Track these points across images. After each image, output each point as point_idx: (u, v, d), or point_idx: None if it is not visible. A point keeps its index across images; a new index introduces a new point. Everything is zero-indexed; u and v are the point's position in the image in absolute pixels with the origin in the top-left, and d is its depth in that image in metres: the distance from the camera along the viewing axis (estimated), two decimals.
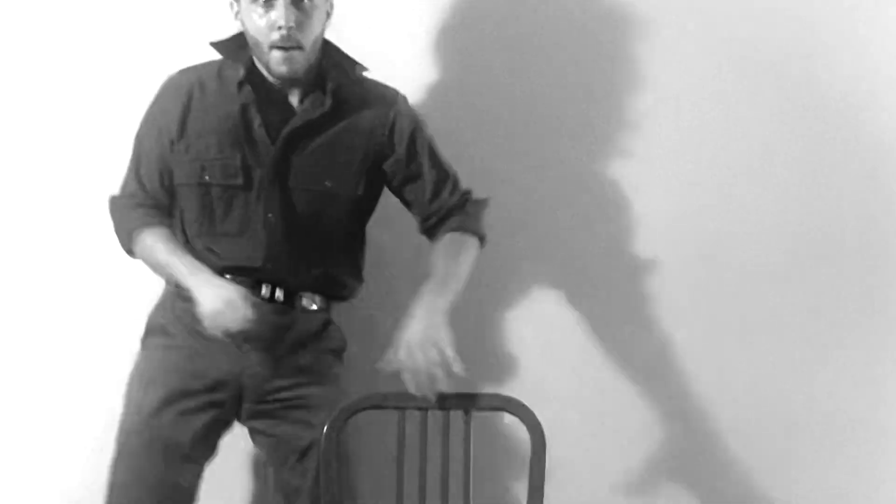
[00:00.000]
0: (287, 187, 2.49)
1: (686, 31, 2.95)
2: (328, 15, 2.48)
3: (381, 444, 2.54)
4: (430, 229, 2.57)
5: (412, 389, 2.28)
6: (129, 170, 2.53)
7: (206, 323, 2.32)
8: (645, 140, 2.96)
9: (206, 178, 2.48)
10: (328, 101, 2.47)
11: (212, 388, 2.42)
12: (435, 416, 2.40)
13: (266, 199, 2.49)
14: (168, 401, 2.41)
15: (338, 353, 2.55)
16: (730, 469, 2.96)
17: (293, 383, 2.46)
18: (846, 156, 2.95)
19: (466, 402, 2.39)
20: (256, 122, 2.46)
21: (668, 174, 2.93)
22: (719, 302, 2.96)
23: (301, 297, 2.49)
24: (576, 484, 2.86)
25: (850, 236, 2.98)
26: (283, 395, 2.46)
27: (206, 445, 2.45)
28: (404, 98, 2.60)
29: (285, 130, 2.47)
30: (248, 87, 2.47)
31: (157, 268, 2.47)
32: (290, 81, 2.46)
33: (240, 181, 2.47)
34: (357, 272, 2.61)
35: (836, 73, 2.96)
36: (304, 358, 2.50)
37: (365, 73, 2.56)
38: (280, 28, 2.35)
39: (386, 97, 2.58)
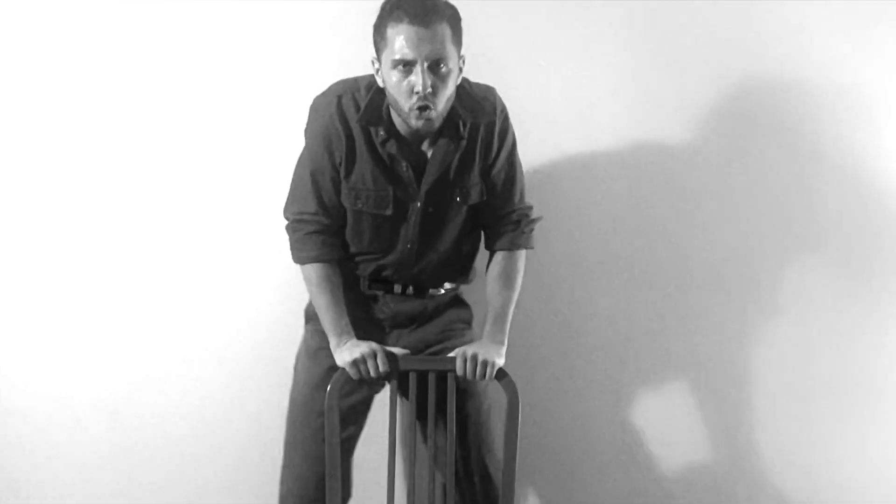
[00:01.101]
0: (426, 214, 2.75)
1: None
2: (461, 70, 2.66)
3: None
4: (489, 237, 2.84)
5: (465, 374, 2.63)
6: (300, 196, 2.76)
7: (349, 372, 2.62)
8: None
9: (360, 205, 2.74)
10: (462, 144, 2.71)
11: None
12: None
13: (410, 228, 2.76)
14: (326, 377, 2.70)
15: (467, 321, 2.86)
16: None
17: (433, 351, 2.79)
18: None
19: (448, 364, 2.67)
20: (403, 165, 2.69)
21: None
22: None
23: (426, 289, 2.82)
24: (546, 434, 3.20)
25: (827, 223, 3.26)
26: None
27: (359, 412, 2.77)
28: (501, 102, 2.79)
29: (429, 180, 2.71)
30: (391, 141, 2.68)
31: (314, 301, 2.75)
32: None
33: (390, 212, 2.73)
34: (470, 257, 2.89)
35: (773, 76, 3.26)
36: (438, 327, 2.81)
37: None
38: (417, 93, 2.53)
39: (488, 103, 2.76)
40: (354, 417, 2.76)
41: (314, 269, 2.73)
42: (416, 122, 2.59)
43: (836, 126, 3.30)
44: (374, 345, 2.63)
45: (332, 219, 2.73)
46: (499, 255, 2.80)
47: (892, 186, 3.32)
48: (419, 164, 2.69)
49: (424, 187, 2.69)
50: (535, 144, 3.07)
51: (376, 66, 2.63)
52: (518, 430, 2.69)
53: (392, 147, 2.66)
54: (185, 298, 3.36)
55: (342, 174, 2.70)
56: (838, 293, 3.35)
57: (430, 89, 2.52)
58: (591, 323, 3.25)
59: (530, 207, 2.83)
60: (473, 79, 2.76)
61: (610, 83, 3.24)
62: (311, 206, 2.71)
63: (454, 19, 2.60)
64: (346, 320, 2.70)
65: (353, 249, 2.76)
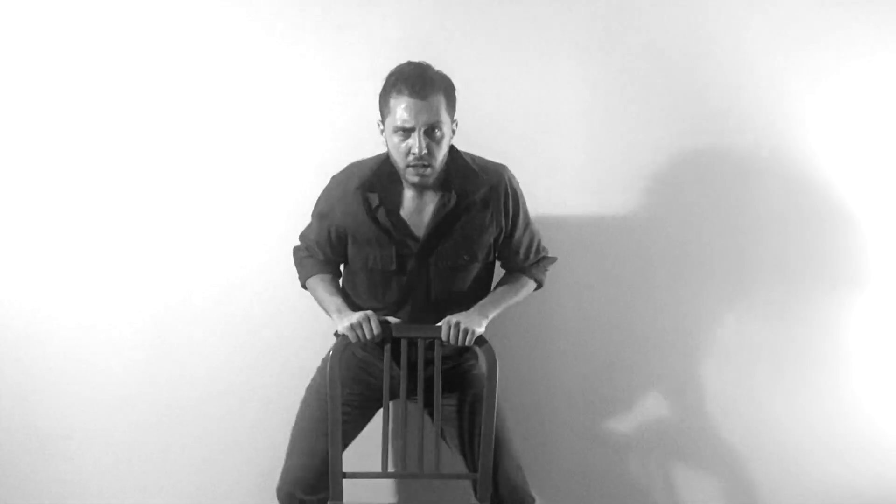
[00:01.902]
0: (431, 267, 3.01)
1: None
2: (453, 133, 2.94)
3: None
4: (514, 270, 3.12)
5: (448, 339, 2.89)
6: (308, 235, 3.11)
7: (349, 336, 2.90)
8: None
9: (370, 265, 3.02)
10: (452, 201, 2.95)
11: (374, 389, 3.03)
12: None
13: (416, 279, 3.01)
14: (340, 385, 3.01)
15: (473, 364, 3.13)
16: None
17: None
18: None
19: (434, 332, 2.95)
20: (403, 233, 2.96)
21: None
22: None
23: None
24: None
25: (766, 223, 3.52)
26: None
27: (363, 412, 3.09)
28: (508, 172, 3.06)
29: (423, 235, 2.98)
30: (381, 209, 2.94)
31: (317, 301, 3.07)
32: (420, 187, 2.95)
33: (394, 268, 3.00)
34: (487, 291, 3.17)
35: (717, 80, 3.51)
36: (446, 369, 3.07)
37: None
38: (414, 154, 2.83)
39: (495, 176, 3.03)
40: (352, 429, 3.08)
41: (313, 280, 3.09)
42: (412, 178, 2.88)
43: (771, 129, 3.54)
44: (368, 312, 2.91)
45: (330, 256, 3.08)
46: (518, 275, 3.10)
47: (819, 181, 3.55)
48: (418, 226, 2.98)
49: (421, 242, 2.95)
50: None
51: (381, 127, 2.93)
52: (496, 392, 2.92)
53: (381, 214, 2.94)
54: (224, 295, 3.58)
55: (350, 241, 3.01)
56: (774, 277, 3.58)
57: (425, 150, 2.82)
58: (561, 301, 3.50)
59: (547, 253, 3.15)
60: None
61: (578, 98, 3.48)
62: (314, 246, 3.08)
63: (449, 90, 2.89)
64: (341, 299, 3.02)
65: (372, 303, 3.04)
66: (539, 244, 3.15)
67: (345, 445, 3.03)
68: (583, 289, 3.51)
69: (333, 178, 3.07)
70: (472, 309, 2.97)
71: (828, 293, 3.57)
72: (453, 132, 2.95)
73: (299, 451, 3.09)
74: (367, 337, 2.90)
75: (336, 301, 3.02)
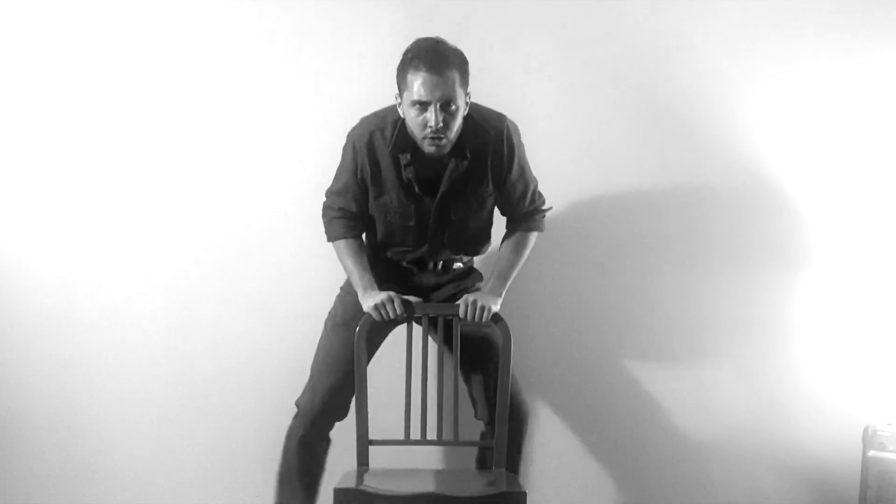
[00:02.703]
0: (445, 219, 3.18)
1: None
2: (467, 105, 3.05)
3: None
4: (509, 223, 3.28)
5: (465, 317, 3.06)
6: (337, 190, 3.22)
7: (373, 315, 3.05)
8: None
9: (389, 218, 3.18)
10: (465, 164, 3.11)
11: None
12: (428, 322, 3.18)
13: (432, 230, 3.19)
14: (352, 318, 3.16)
15: (478, 281, 3.32)
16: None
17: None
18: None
19: (452, 310, 3.14)
20: (416, 187, 3.13)
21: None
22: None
23: (453, 261, 3.30)
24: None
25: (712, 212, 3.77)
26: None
27: (373, 341, 3.21)
28: (509, 123, 3.19)
29: (439, 193, 3.13)
30: (411, 167, 3.11)
31: (344, 268, 3.22)
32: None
33: (412, 223, 3.19)
34: (488, 238, 3.34)
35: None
36: (455, 290, 3.27)
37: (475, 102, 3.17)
38: (430, 127, 2.96)
39: (496, 126, 3.16)
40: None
41: (340, 243, 3.22)
42: (428, 149, 3.02)
43: (722, 129, 3.78)
44: (391, 293, 3.06)
45: (356, 211, 3.19)
46: (518, 234, 3.27)
47: (764, 173, 3.78)
48: (436, 182, 3.12)
49: (437, 201, 3.13)
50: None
51: (398, 101, 3.04)
52: (510, 364, 3.13)
53: (410, 172, 3.10)
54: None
55: (372, 195, 3.17)
56: (726, 259, 3.82)
57: (441, 124, 2.95)
58: (541, 280, 3.70)
59: (543, 202, 3.30)
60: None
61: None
62: (341, 201, 3.19)
63: (462, 65, 3.00)
64: (369, 276, 3.15)
65: (389, 246, 3.24)
66: (535, 191, 3.28)
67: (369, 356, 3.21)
68: (558, 268, 3.71)
69: (351, 133, 3.18)
70: (486, 286, 3.16)
71: (774, 273, 3.81)
72: (466, 104, 3.06)
73: (315, 389, 3.23)
74: (391, 317, 3.05)
75: (364, 280, 3.14)
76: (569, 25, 3.73)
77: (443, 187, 3.13)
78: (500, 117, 3.19)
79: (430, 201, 3.15)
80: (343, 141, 3.23)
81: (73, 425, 3.89)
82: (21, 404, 3.87)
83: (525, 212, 3.28)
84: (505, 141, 3.16)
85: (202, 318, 3.84)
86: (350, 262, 3.19)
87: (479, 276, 3.38)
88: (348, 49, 3.69)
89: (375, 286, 3.13)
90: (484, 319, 3.06)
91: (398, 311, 3.07)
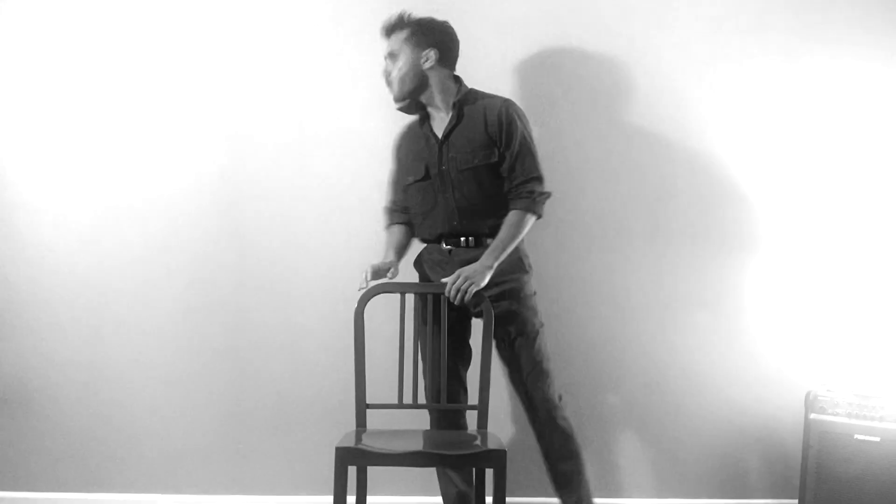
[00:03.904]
0: (450, 172, 3.50)
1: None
2: (428, 59, 3.49)
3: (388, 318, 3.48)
4: (510, 202, 3.47)
5: (450, 298, 3.29)
6: (391, 189, 3.71)
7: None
8: None
9: (410, 181, 3.59)
10: (455, 118, 3.50)
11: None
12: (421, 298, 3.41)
13: (440, 185, 3.51)
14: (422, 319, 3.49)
15: (518, 269, 3.51)
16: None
17: (493, 285, 3.43)
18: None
19: (439, 288, 3.37)
20: (431, 141, 3.53)
21: None
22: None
23: (484, 239, 3.49)
24: None
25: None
26: (489, 293, 3.43)
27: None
28: (511, 102, 3.54)
29: (438, 141, 3.52)
30: (427, 123, 3.57)
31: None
32: (439, 99, 3.53)
33: (422, 176, 3.55)
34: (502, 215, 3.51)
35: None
36: (497, 290, 3.45)
37: (479, 88, 3.57)
38: (386, 72, 3.55)
39: (497, 103, 3.52)
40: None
41: (390, 228, 3.69)
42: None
43: (680, 128, 3.99)
44: (370, 266, 3.41)
45: (401, 202, 3.66)
46: (513, 212, 3.46)
47: (718, 167, 3.99)
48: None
49: (437, 149, 3.50)
50: None
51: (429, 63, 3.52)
52: (492, 339, 3.37)
53: (427, 128, 3.54)
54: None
55: (403, 183, 3.63)
56: (684, 243, 4.01)
57: (389, 69, 3.54)
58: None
59: (539, 184, 3.47)
60: None
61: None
62: (390, 195, 3.71)
63: (417, 27, 3.51)
64: (387, 251, 3.57)
65: (418, 217, 3.60)
66: (532, 166, 3.49)
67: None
68: (543, 253, 3.88)
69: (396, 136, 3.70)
70: (480, 259, 3.38)
71: (727, 255, 4.00)
72: (427, 59, 3.52)
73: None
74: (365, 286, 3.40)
75: (389, 252, 3.57)
76: (543, 41, 3.97)
77: (444, 131, 3.53)
78: (505, 98, 3.57)
79: (437, 159, 3.51)
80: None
81: (97, 404, 4.05)
82: (47, 386, 4.03)
83: (517, 183, 3.47)
84: (504, 112, 3.49)
85: (227, 296, 4.02)
86: (386, 240, 3.60)
87: (514, 254, 3.51)
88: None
89: (387, 257, 3.51)
90: (466, 300, 3.29)
91: (367, 280, 3.38)
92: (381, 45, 3.61)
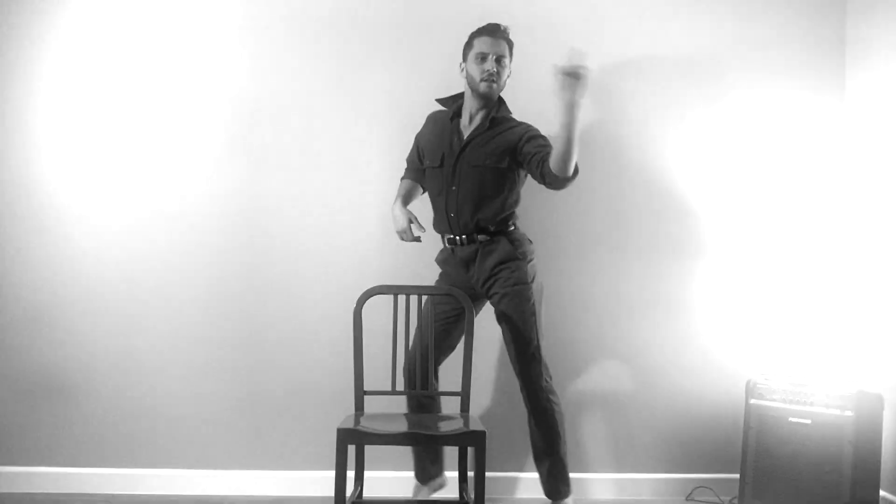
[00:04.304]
0: (460, 165, 3.72)
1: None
2: (509, 72, 3.75)
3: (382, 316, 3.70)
4: (542, 163, 3.55)
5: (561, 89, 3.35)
6: (412, 148, 3.95)
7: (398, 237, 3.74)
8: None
9: (426, 164, 3.88)
10: (486, 125, 3.73)
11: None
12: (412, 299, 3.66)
13: (449, 175, 3.75)
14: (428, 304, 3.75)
15: (511, 257, 3.72)
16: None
17: (489, 276, 3.71)
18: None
19: (424, 289, 3.60)
20: (456, 136, 3.77)
21: None
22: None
23: (477, 236, 3.75)
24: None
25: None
26: (486, 284, 3.73)
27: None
28: (533, 127, 3.73)
29: (465, 138, 3.74)
30: (456, 120, 3.79)
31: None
32: (479, 106, 3.74)
33: (437, 164, 3.79)
34: (508, 217, 3.76)
35: None
36: (489, 262, 3.72)
37: (513, 115, 3.79)
38: (487, 71, 3.69)
39: (522, 125, 3.75)
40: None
41: (403, 181, 3.98)
42: (483, 89, 3.71)
43: (641, 153, 4.23)
44: (408, 218, 3.74)
45: (417, 165, 3.91)
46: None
47: (671, 186, 4.21)
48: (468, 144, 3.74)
49: (461, 145, 3.71)
50: None
51: (462, 66, 3.78)
52: (473, 333, 3.56)
53: (456, 126, 3.80)
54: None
55: (422, 163, 3.89)
56: (643, 251, 4.26)
57: (494, 69, 3.70)
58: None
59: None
60: None
61: None
62: (409, 155, 3.98)
63: (511, 42, 3.75)
64: (401, 196, 3.85)
65: (430, 199, 3.85)
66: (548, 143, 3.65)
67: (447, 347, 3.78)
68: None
69: (430, 114, 3.94)
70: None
71: (679, 262, 4.24)
72: (509, 73, 3.77)
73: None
74: (408, 239, 3.76)
75: (397, 198, 3.87)
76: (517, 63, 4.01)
77: (468, 136, 3.76)
78: (527, 123, 3.78)
79: (458, 146, 3.74)
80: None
81: (127, 391, 4.20)
82: (83, 375, 4.20)
83: (539, 151, 3.60)
84: (526, 128, 3.73)
85: (242, 295, 4.22)
86: (399, 188, 3.94)
87: (507, 245, 3.73)
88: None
89: (401, 203, 3.82)
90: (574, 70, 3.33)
91: (415, 235, 3.70)
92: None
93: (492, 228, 3.78)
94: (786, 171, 4.31)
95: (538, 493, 3.98)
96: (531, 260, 3.83)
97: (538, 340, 3.77)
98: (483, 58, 3.71)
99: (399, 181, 3.97)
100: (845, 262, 4.05)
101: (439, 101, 3.88)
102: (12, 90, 4.21)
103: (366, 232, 4.19)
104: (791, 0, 4.35)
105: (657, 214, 4.27)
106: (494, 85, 3.73)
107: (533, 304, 3.76)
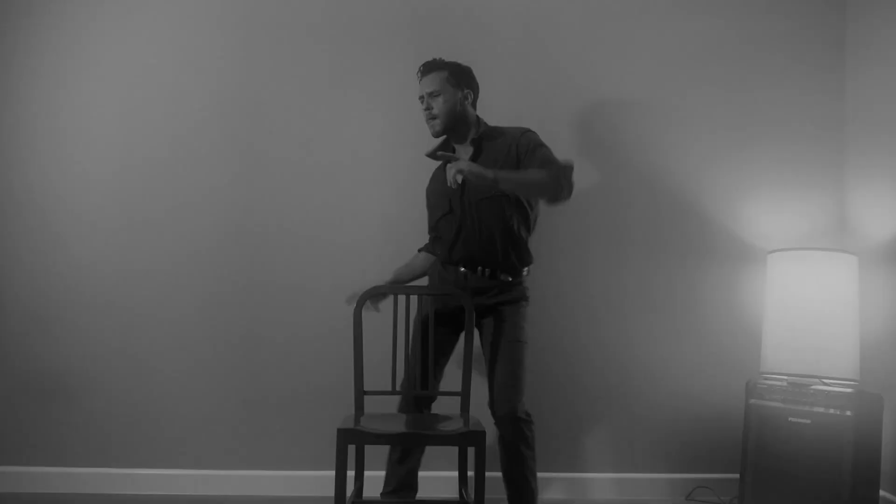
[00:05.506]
0: (470, 205, 3.56)
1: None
2: (465, 99, 3.57)
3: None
4: None
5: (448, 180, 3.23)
6: (428, 220, 3.76)
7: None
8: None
9: (437, 216, 3.70)
10: (473, 153, 3.55)
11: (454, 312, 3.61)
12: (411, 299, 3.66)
13: (458, 216, 3.59)
14: (419, 323, 3.63)
15: (521, 298, 3.61)
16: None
17: (496, 306, 3.58)
18: None
19: (424, 290, 3.57)
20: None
21: None
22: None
23: (499, 273, 3.58)
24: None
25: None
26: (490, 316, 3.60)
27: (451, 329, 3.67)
28: (529, 130, 3.55)
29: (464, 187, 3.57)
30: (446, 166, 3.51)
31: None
32: (458, 139, 3.58)
33: (447, 210, 3.63)
34: (520, 260, 3.60)
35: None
36: (501, 298, 3.59)
37: (499, 124, 3.63)
38: (426, 112, 3.56)
39: (516, 133, 3.56)
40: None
41: (417, 254, 3.85)
42: (430, 131, 3.61)
43: (643, 160, 4.19)
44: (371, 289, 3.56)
45: (434, 236, 3.74)
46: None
47: (672, 190, 4.19)
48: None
49: (460, 188, 3.58)
50: None
51: (470, 99, 3.65)
52: (472, 337, 3.48)
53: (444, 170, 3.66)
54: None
55: (430, 212, 3.72)
56: (641, 252, 4.25)
57: (431, 108, 3.57)
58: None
59: (566, 165, 3.37)
60: None
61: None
62: (429, 228, 3.78)
63: (455, 70, 3.57)
64: (396, 274, 3.75)
65: (444, 243, 3.65)
66: (550, 157, 3.45)
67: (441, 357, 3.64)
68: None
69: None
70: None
71: (679, 262, 4.25)
72: (464, 99, 3.60)
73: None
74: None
75: (402, 273, 3.80)
76: (509, 73, 4.11)
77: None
78: (523, 128, 3.61)
79: (457, 193, 3.59)
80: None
81: (130, 393, 4.18)
82: (88, 377, 4.19)
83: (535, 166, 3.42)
84: (522, 138, 3.54)
85: (242, 296, 4.20)
86: (407, 261, 3.85)
87: (522, 293, 3.63)
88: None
89: (393, 279, 3.76)
90: (459, 181, 3.26)
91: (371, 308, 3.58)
92: (410, 87, 3.77)
93: (517, 266, 3.67)
94: (786, 171, 4.28)
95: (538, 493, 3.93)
96: (528, 304, 3.74)
97: (525, 368, 3.66)
98: (422, 100, 3.66)
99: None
100: (845, 261, 3.99)
101: (428, 155, 3.74)
102: (12, 90, 4.19)
103: (366, 232, 4.16)
104: (791, 0, 4.31)
105: (657, 214, 4.26)
106: (435, 122, 3.63)
107: (525, 336, 3.66)
